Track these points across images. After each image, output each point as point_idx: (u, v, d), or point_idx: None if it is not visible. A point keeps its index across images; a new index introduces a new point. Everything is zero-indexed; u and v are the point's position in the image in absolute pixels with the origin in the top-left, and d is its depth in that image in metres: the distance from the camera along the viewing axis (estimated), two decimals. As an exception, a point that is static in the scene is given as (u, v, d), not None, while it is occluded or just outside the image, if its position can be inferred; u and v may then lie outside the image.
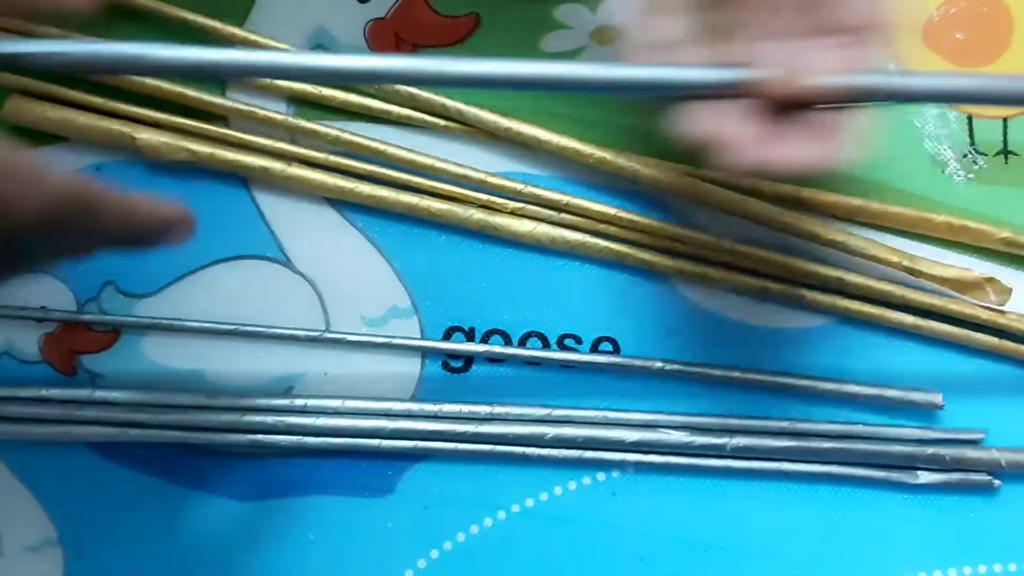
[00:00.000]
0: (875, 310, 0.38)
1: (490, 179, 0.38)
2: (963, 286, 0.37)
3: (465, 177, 0.38)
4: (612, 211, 0.38)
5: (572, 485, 0.38)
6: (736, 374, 0.37)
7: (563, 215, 0.38)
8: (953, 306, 0.37)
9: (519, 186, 0.38)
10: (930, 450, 0.37)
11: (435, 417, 0.37)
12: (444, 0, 0.40)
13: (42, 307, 0.38)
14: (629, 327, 0.38)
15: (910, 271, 0.37)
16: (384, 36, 0.39)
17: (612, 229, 0.38)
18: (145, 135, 0.37)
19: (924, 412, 0.38)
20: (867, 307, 0.38)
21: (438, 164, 0.38)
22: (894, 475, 0.37)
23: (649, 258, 0.38)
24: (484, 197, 0.38)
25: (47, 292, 0.38)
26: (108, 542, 0.37)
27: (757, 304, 0.39)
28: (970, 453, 0.37)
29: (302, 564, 0.37)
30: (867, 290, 0.38)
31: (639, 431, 0.37)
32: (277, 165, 0.38)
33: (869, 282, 0.37)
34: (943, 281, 0.37)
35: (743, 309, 0.39)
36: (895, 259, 0.37)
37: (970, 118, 0.40)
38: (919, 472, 0.37)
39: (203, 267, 0.38)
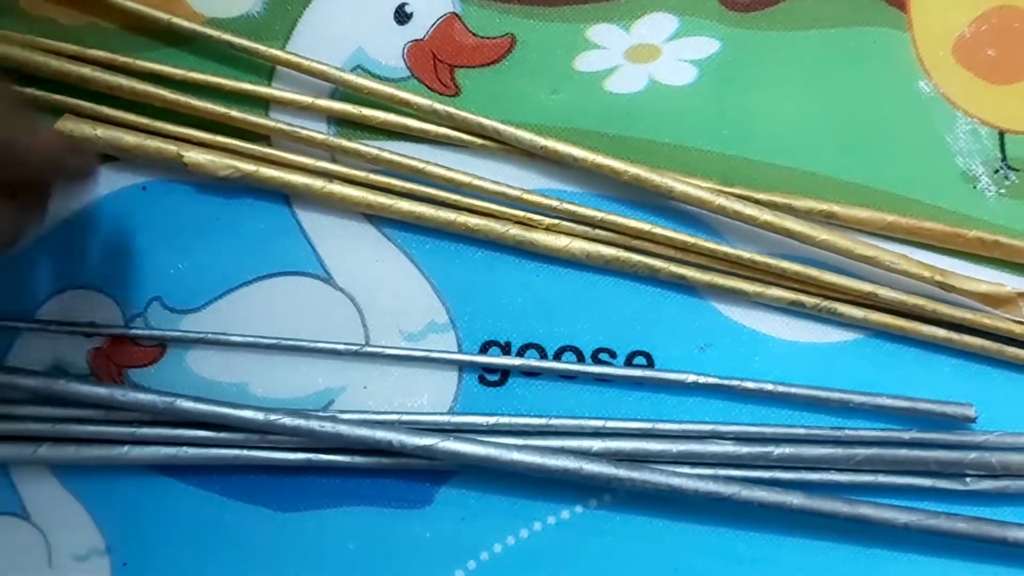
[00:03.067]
0: (908, 324, 0.38)
1: (526, 196, 0.38)
2: (995, 301, 0.38)
3: (502, 194, 0.39)
4: (646, 227, 0.38)
5: (608, 498, 0.38)
6: (769, 387, 0.38)
7: (598, 231, 0.39)
8: (986, 320, 0.38)
9: (555, 202, 0.38)
10: (972, 455, 0.37)
11: (472, 429, 0.38)
12: (480, 22, 0.40)
13: (90, 322, 0.39)
14: (663, 341, 0.39)
15: (942, 286, 0.38)
16: (423, 58, 0.40)
17: (646, 244, 0.39)
18: (192, 153, 0.38)
19: (957, 425, 0.38)
20: (900, 321, 0.38)
21: (475, 181, 0.38)
22: (941, 483, 0.37)
23: (683, 272, 0.39)
24: (520, 213, 0.39)
25: (95, 308, 0.39)
26: (154, 552, 0.38)
27: (790, 318, 0.39)
28: (1015, 458, 0.37)
29: (341, 575, 0.38)
30: (900, 304, 0.38)
31: (675, 442, 0.37)
32: (318, 183, 0.38)
33: (901, 296, 0.38)
34: (975, 296, 0.38)
35: (776, 323, 0.39)
36: (927, 274, 0.37)
37: (1002, 134, 0.40)
38: (967, 478, 0.37)
39: (246, 283, 0.39)
